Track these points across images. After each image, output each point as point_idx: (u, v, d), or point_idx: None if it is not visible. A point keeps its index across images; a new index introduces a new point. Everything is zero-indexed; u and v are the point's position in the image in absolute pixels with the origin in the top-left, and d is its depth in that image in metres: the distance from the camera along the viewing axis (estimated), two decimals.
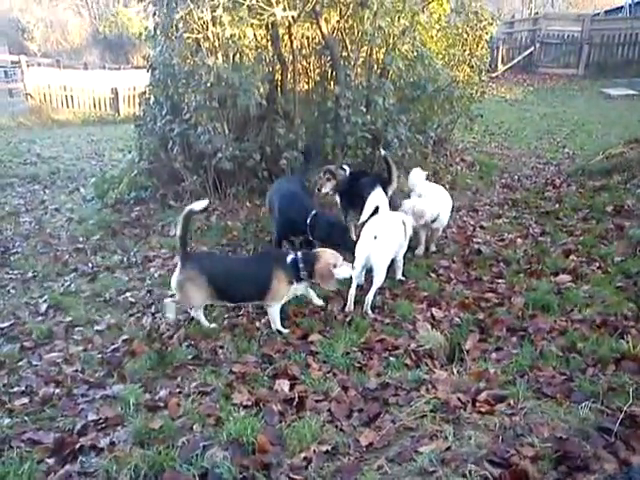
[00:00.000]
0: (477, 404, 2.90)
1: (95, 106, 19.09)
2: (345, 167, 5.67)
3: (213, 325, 4.05)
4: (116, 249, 5.89)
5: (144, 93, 7.20)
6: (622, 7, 22.63)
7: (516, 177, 8.82)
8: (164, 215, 6.49)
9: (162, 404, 3.10)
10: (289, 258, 3.96)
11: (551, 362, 3.34)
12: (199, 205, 3.84)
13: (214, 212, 6.36)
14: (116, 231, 6.32)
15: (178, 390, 3.27)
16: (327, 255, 4.00)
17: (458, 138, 10.49)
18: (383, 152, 5.62)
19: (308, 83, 7.02)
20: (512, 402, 2.89)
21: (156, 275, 5.19)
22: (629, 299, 4.17)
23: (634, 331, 3.64)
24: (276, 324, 3.96)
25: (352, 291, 4.21)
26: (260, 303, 4.07)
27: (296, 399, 3.09)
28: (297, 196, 5.05)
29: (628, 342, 3.40)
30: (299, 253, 4.01)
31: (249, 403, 3.07)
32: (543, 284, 4.46)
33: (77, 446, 2.73)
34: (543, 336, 3.66)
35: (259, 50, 6.34)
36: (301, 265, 3.93)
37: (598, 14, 21.67)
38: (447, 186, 7.70)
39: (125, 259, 5.61)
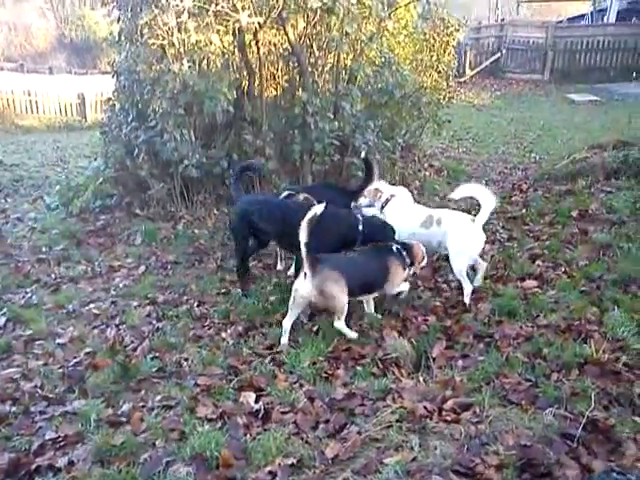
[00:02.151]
0: (443, 413, 2.91)
1: (61, 112, 18.79)
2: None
3: (355, 334, 3.84)
4: (80, 259, 5.75)
5: (109, 99, 7.10)
6: (584, 15, 23.17)
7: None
8: (130, 224, 6.38)
9: (124, 419, 3.03)
10: (394, 248, 4.14)
11: (517, 368, 3.35)
12: (319, 209, 3.75)
13: (181, 220, 6.29)
14: (81, 241, 6.18)
15: (141, 404, 3.20)
16: (417, 243, 4.24)
17: (426, 144, 10.57)
18: (364, 153, 5.62)
19: (276, 89, 6.98)
20: (478, 410, 2.91)
21: (121, 285, 5.10)
22: (592, 303, 4.22)
23: (597, 335, 3.68)
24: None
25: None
26: (380, 292, 4.16)
27: (262, 411, 3.06)
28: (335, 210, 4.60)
29: (591, 347, 3.45)
30: (395, 244, 4.20)
31: (214, 416, 3.03)
32: (510, 290, 4.48)
33: (33, 467, 2.65)
34: (509, 342, 3.68)
35: (226, 56, 6.29)
36: (404, 253, 4.11)
37: (562, 21, 22.12)
38: (415, 192, 7.78)
39: (89, 269, 5.50)
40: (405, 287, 4.23)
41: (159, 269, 5.45)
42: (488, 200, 4.47)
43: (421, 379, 3.30)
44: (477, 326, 3.93)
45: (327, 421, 2.96)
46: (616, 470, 2.30)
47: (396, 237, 4.48)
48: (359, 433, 2.76)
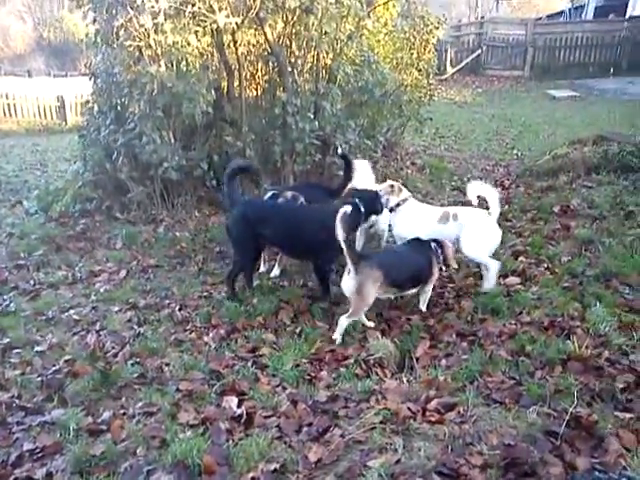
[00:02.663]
0: (427, 413, 2.89)
1: (40, 115, 18.55)
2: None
3: (340, 339, 3.83)
4: (60, 264, 5.66)
5: (87, 102, 7.01)
6: (563, 12, 23.36)
7: (466, 179, 8.91)
8: (110, 227, 6.30)
9: (105, 427, 2.97)
10: (433, 245, 4.19)
11: (500, 366, 3.35)
12: (348, 209, 3.83)
13: (161, 223, 6.22)
14: (60, 246, 6.07)
15: (122, 411, 3.15)
16: (446, 242, 4.30)
17: (408, 141, 10.59)
18: (340, 150, 5.60)
19: (256, 90, 6.95)
20: (462, 410, 2.90)
21: (102, 290, 5.02)
22: (575, 299, 4.23)
23: (579, 331, 3.69)
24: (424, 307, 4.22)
25: None
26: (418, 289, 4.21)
27: (244, 416, 3.02)
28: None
29: (574, 343, 3.45)
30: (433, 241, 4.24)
31: (196, 422, 2.99)
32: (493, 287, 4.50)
33: (11, 479, 2.58)
34: (492, 340, 3.68)
35: (204, 57, 6.24)
36: (439, 251, 4.18)
37: (540, 18, 22.29)
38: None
39: (70, 275, 5.40)
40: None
41: (140, 273, 5.38)
42: (493, 194, 4.58)
43: (405, 379, 3.28)
44: (460, 324, 3.93)
45: (310, 424, 2.92)
46: (598, 469, 2.29)
47: (414, 236, 4.51)
48: (342, 436, 2.73)
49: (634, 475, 2.29)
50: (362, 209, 4.54)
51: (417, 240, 4.34)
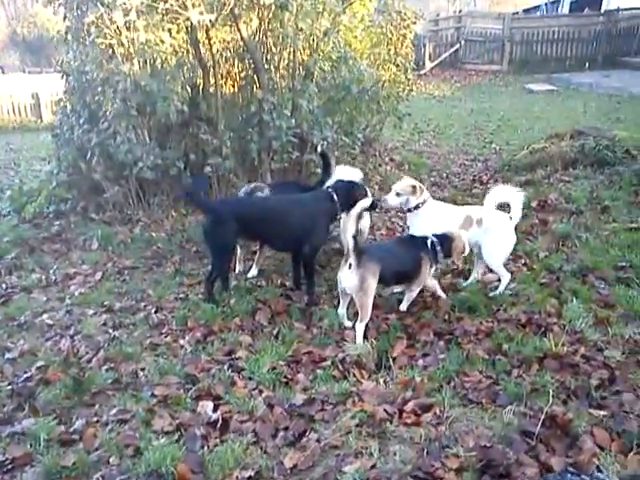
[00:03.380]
0: (404, 415, 2.89)
1: (14, 112, 18.21)
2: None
3: (362, 345, 3.68)
4: (34, 267, 5.55)
5: (60, 101, 6.89)
6: (539, 6, 23.52)
7: (444, 175, 8.95)
8: (86, 229, 6.19)
9: (77, 437, 2.92)
10: (429, 242, 4.09)
11: (477, 366, 3.35)
12: (367, 202, 3.93)
13: (138, 223, 6.14)
14: (34, 248, 5.95)
15: (95, 419, 3.09)
16: (458, 234, 4.18)
17: (387, 137, 10.57)
18: (320, 148, 5.58)
19: (233, 87, 6.87)
20: (438, 411, 2.90)
21: (76, 293, 4.93)
22: (552, 295, 4.25)
23: (556, 328, 3.71)
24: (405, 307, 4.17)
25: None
26: (404, 288, 4.18)
27: (220, 421, 2.99)
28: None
29: (550, 340, 3.47)
30: (433, 236, 4.13)
31: (170, 428, 2.94)
32: (470, 284, 4.50)
33: None
34: (470, 339, 3.68)
35: (179, 55, 6.15)
36: (438, 248, 4.06)
37: (517, 13, 22.42)
38: (376, 187, 7.76)
39: (44, 278, 5.29)
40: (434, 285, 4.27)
41: (116, 275, 5.29)
42: (517, 198, 4.49)
43: (382, 380, 3.26)
44: (438, 323, 3.92)
45: (286, 428, 2.90)
46: (570, 471, 2.30)
47: None
48: (318, 441, 2.71)
49: (605, 477, 2.30)
50: (336, 199, 4.54)
51: (411, 236, 4.33)
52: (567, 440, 2.62)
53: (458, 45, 20.98)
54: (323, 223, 4.54)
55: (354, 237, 3.69)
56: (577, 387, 3.05)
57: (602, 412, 2.81)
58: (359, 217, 3.81)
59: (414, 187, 4.44)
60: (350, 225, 3.69)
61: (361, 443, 2.66)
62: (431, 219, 4.43)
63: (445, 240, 4.14)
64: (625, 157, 7.70)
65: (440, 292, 4.26)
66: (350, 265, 3.74)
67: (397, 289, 4.31)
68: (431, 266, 4.13)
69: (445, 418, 2.81)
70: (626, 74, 17.99)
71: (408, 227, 4.77)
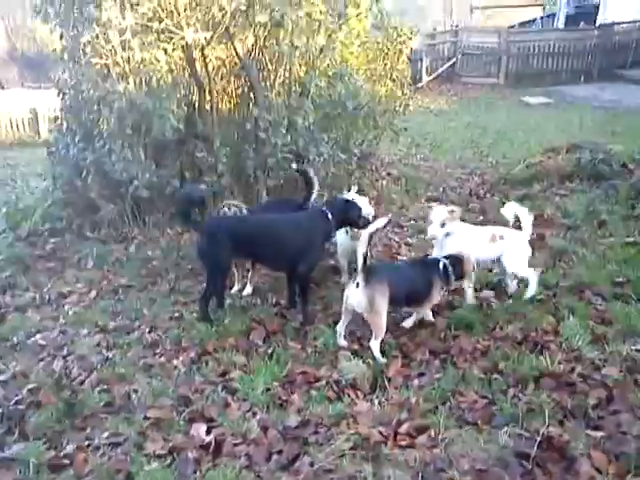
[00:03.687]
0: (398, 437, 2.85)
1: (12, 127, 18.22)
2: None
3: (385, 360, 3.70)
4: (28, 286, 5.52)
5: (56, 119, 6.90)
6: (535, 20, 23.70)
7: (441, 189, 8.95)
8: (81, 247, 6.17)
9: (68, 462, 2.88)
10: (441, 264, 4.08)
11: (473, 385, 3.32)
12: (382, 222, 3.87)
13: (133, 241, 6.12)
14: (29, 266, 5.93)
15: (87, 443, 3.05)
16: (468, 255, 4.20)
17: (384, 151, 10.58)
18: (295, 165, 5.64)
19: (229, 104, 6.88)
20: (433, 433, 2.86)
21: (70, 313, 4.90)
22: (549, 312, 4.23)
23: (553, 346, 3.69)
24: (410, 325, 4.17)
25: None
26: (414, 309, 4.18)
27: (213, 444, 2.95)
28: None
29: (547, 359, 3.45)
30: (444, 258, 4.14)
31: (163, 452, 2.91)
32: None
33: None
34: (466, 357, 3.65)
35: (174, 73, 6.16)
36: (450, 269, 4.06)
37: (513, 26, 22.58)
38: (372, 202, 7.75)
39: (38, 297, 5.26)
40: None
41: (111, 293, 5.26)
42: (527, 216, 4.64)
43: (376, 401, 3.23)
44: (433, 342, 3.89)
45: (280, 452, 2.86)
46: None
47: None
48: (312, 465, 2.67)
49: None
50: (330, 218, 4.50)
51: (423, 259, 4.33)
52: (564, 463, 2.59)
53: (455, 59, 21.10)
54: (318, 242, 4.51)
55: (364, 256, 3.68)
56: (574, 407, 3.02)
57: (599, 433, 2.78)
58: (372, 236, 3.79)
59: (453, 212, 4.48)
60: (362, 243, 3.68)
61: (355, 467, 2.62)
62: (463, 241, 4.47)
63: (457, 262, 4.13)
64: (621, 170, 7.71)
65: (430, 317, 4.22)
66: (358, 284, 3.72)
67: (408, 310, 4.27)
68: (442, 288, 4.12)
69: (440, 440, 2.78)
70: (621, 87, 18.10)
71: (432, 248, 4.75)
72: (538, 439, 2.70)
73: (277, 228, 4.51)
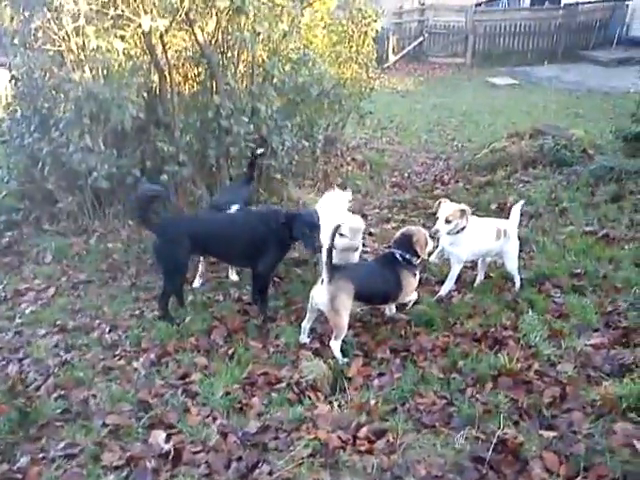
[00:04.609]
0: (357, 442, 2.88)
1: None
2: None
3: (346, 360, 3.69)
4: None
5: (8, 105, 6.66)
6: None
7: (406, 175, 8.98)
8: (39, 240, 5.97)
9: (20, 476, 2.81)
10: (397, 255, 4.05)
11: (432, 385, 3.37)
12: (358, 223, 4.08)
13: (93, 234, 5.94)
14: None
15: (41, 455, 2.97)
16: (414, 228, 4.26)
17: (349, 135, 10.53)
18: (260, 150, 5.64)
19: (192, 91, 6.70)
20: (392, 437, 2.89)
21: (27, 311, 4.76)
22: (508, 307, 4.31)
23: (511, 342, 3.76)
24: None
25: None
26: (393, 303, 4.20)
27: (172, 452, 2.92)
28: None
29: (504, 356, 3.49)
30: (394, 248, 4.12)
31: (120, 463, 2.87)
32: (427, 296, 4.48)
33: None
34: (426, 356, 3.70)
35: (133, 60, 5.96)
36: (407, 256, 4.03)
37: (480, 4, 22.51)
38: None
39: None
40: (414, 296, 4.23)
41: (70, 290, 5.13)
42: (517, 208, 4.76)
43: (336, 404, 3.23)
44: (394, 340, 3.91)
45: (240, 459, 2.86)
46: None
47: (475, 255, 4.60)
48: (270, 473, 2.68)
49: None
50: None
51: (384, 255, 4.30)
52: (517, 465, 2.65)
53: (422, 38, 21.00)
54: (271, 243, 4.35)
55: (329, 251, 3.65)
56: (529, 406, 3.09)
57: (552, 433, 2.84)
58: (335, 232, 3.74)
59: (462, 211, 4.42)
60: (327, 239, 3.67)
61: (314, 475, 2.63)
62: (472, 237, 4.48)
63: (405, 241, 4.08)
64: (582, 157, 7.86)
65: (393, 311, 4.28)
66: (322, 281, 3.72)
67: (387, 307, 4.27)
68: (414, 275, 4.09)
69: (398, 445, 2.81)
70: (583, 68, 18.30)
71: (438, 246, 4.68)
72: (493, 442, 2.75)
73: (230, 227, 4.47)
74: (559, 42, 20.07)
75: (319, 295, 3.75)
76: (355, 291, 3.75)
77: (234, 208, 4.85)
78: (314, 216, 4.28)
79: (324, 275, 3.70)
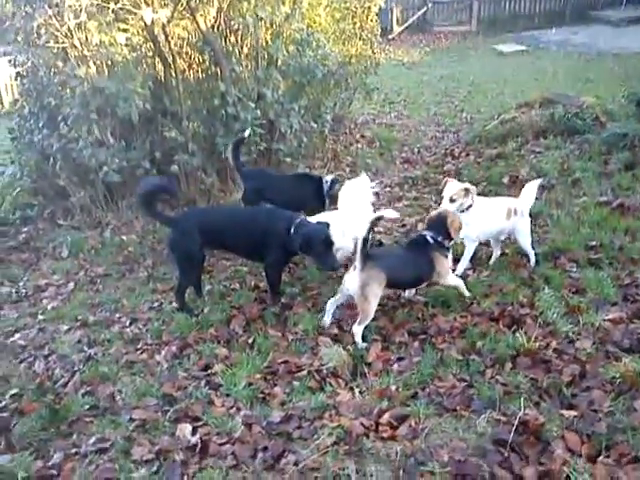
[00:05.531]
0: (380, 428, 2.91)
1: None
2: None
3: (365, 344, 3.72)
4: (2, 280, 5.43)
5: (17, 102, 6.68)
6: None
7: (416, 150, 8.91)
8: (55, 235, 6.06)
9: (55, 472, 2.89)
10: (429, 237, 4.03)
11: (452, 367, 3.38)
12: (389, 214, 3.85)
13: (107, 227, 6.02)
14: (2, 258, 5.84)
15: (74, 451, 3.04)
16: (449, 210, 4.21)
17: (357, 111, 10.46)
18: (247, 132, 5.59)
19: (196, 79, 6.67)
20: (414, 422, 2.91)
21: (49, 307, 4.86)
22: (524, 283, 4.29)
23: (529, 320, 3.74)
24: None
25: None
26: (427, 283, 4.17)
27: (199, 444, 2.98)
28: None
29: (523, 335, 3.49)
30: (427, 229, 4.13)
31: (150, 457, 2.92)
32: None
33: None
34: (444, 338, 3.70)
35: (137, 51, 5.94)
36: (439, 238, 4.01)
37: None
38: (348, 169, 7.70)
39: (14, 291, 5.21)
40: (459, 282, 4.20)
41: (89, 284, 5.22)
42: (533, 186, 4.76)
43: (357, 391, 3.27)
44: (411, 322, 3.93)
45: (265, 448, 2.89)
46: None
47: (486, 235, 4.59)
48: (296, 464, 2.72)
49: None
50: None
51: (415, 238, 4.26)
52: (539, 446, 2.67)
53: (426, 7, 20.64)
54: (278, 239, 4.30)
55: (364, 240, 3.66)
56: (549, 385, 3.09)
57: (573, 412, 2.85)
58: (375, 223, 3.77)
59: (466, 190, 4.41)
60: (364, 228, 3.67)
61: (338, 464, 2.67)
62: (482, 216, 4.48)
63: (440, 224, 4.06)
64: (594, 124, 7.72)
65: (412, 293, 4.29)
66: (355, 267, 3.75)
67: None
68: (446, 257, 4.07)
69: (420, 430, 2.84)
70: (593, 29, 17.93)
71: None
72: (515, 423, 2.77)
73: (241, 220, 4.50)
74: (567, 3, 19.65)
75: (351, 281, 3.78)
76: (387, 280, 3.78)
77: None
78: (326, 232, 4.20)
79: (357, 262, 3.73)
